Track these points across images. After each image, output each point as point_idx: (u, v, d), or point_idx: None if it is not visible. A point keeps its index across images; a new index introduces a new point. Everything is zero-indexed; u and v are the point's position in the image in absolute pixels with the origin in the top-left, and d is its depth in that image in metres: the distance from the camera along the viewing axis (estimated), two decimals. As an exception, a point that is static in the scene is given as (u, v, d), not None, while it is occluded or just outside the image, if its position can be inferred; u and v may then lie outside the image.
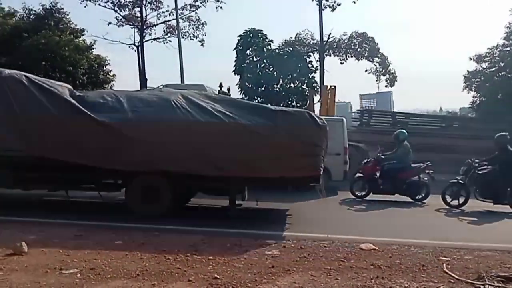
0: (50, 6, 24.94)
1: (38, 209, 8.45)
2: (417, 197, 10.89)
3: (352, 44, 27.19)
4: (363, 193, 11.08)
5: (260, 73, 22.21)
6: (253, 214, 8.62)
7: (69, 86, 8.94)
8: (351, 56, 27.55)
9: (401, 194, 10.89)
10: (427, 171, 11.06)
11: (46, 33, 22.84)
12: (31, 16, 25.20)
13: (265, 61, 22.60)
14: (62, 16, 25.34)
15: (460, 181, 10.22)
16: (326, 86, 17.80)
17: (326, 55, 26.42)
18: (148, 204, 8.00)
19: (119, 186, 8.57)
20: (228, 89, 15.90)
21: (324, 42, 25.45)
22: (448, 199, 10.08)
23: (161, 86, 12.81)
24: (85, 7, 27.46)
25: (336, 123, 11.45)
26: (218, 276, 4.79)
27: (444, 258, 5.68)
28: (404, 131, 11.79)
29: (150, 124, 7.79)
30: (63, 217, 7.53)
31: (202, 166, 7.73)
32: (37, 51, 22.17)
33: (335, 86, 17.90)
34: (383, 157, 11.46)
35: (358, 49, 27.18)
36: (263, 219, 8.43)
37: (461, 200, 10.06)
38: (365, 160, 11.59)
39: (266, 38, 23.09)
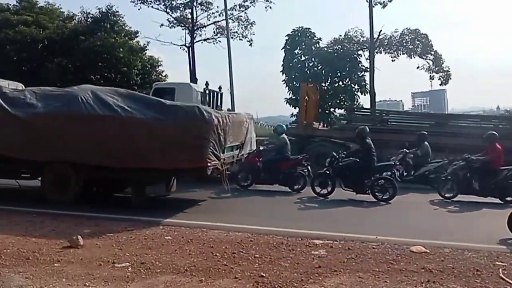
0: (106, 9, 26.02)
1: (92, 205, 8.80)
2: (295, 188, 11.19)
3: (403, 41, 26.39)
4: (248, 182, 11.47)
5: (308, 72, 22.04)
6: (298, 214, 8.56)
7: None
8: (403, 54, 26.76)
9: (280, 184, 11.22)
10: (304, 163, 11.39)
11: (102, 35, 23.85)
12: (89, 19, 26.39)
13: (313, 59, 22.41)
14: (117, 18, 26.37)
15: (327, 171, 10.58)
16: (306, 83, 17.59)
17: (377, 52, 25.83)
18: (59, 192, 8.65)
19: (35, 175, 9.25)
20: (220, 88, 16.32)
21: (375, 40, 24.89)
22: (318, 189, 10.42)
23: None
24: (139, 9, 28.43)
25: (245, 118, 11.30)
26: (264, 275, 4.80)
27: (500, 263, 5.39)
28: (281, 124, 12.74)
29: (56, 118, 8.39)
30: (115, 212, 7.83)
31: (103, 157, 8.27)
32: (94, 53, 23.21)
33: (314, 84, 17.92)
34: (261, 148, 12.03)
35: (410, 46, 26.34)
36: (309, 219, 8.34)
37: (329, 189, 10.42)
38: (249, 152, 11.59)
39: (315, 36, 22.89)
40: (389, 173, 10.19)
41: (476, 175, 10.21)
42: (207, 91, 15.16)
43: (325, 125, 18.60)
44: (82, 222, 7.16)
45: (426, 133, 12.35)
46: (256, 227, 6.97)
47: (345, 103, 22.27)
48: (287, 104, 22.49)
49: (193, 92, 14.87)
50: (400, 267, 5.18)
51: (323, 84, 22.29)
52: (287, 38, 22.68)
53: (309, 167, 11.39)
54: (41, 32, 24.43)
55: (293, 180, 11.27)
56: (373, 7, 24.42)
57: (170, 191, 9.37)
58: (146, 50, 26.99)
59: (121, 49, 23.96)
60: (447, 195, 10.37)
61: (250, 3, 28.12)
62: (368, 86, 22.79)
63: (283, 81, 22.61)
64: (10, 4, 26.67)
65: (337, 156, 10.66)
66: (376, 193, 9.93)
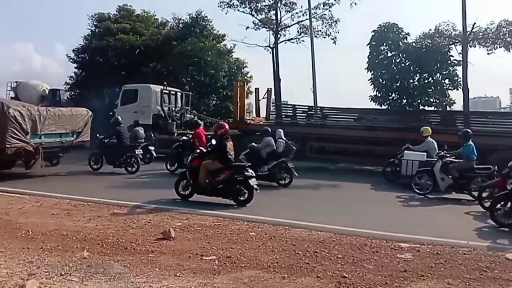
0: (195, 15, 27.23)
1: (181, 201, 9.33)
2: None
3: (500, 34, 24.28)
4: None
5: (395, 68, 21.21)
6: (381, 215, 8.32)
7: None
8: (500, 47, 24.63)
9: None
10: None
11: (192, 40, 25.03)
12: (180, 25, 27.81)
13: (400, 55, 21.50)
14: (206, 23, 27.49)
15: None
16: (238, 81, 18.25)
17: (470, 46, 24.07)
18: None
19: None
20: (186, 89, 19.41)
21: (468, 33, 23.22)
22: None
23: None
24: (226, 13, 29.29)
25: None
26: (347, 275, 4.79)
27: None
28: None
29: None
30: (203, 208, 8.24)
31: None
32: (185, 57, 24.45)
33: (244, 82, 18.64)
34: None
35: (508, 39, 24.16)
36: (393, 220, 8.01)
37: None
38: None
39: (402, 31, 21.94)
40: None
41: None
42: (167, 91, 18.21)
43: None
44: (174, 216, 7.64)
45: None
46: (338, 227, 6.93)
47: (435, 100, 21.10)
48: (372, 101, 21.85)
49: (152, 92, 18.47)
50: (494, 275, 4.86)
51: (411, 81, 21.33)
52: (373, 34, 22.01)
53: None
54: (138, 39, 26.23)
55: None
56: (467, -1, 22.81)
57: (30, 168, 12.40)
58: (233, 52, 27.84)
59: (209, 53, 24.97)
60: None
61: (335, 0, 27.75)
62: (460, 82, 21.35)
63: (369, 79, 22.03)
64: (111, 13, 28.91)
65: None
66: None
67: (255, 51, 56.02)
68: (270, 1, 28.25)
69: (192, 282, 4.54)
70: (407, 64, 21.33)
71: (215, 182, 8.92)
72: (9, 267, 4.80)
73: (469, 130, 10.89)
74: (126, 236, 6.27)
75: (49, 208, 8.14)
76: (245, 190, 9.00)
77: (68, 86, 27.45)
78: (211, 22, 27.84)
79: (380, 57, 21.54)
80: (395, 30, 21.73)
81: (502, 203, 7.59)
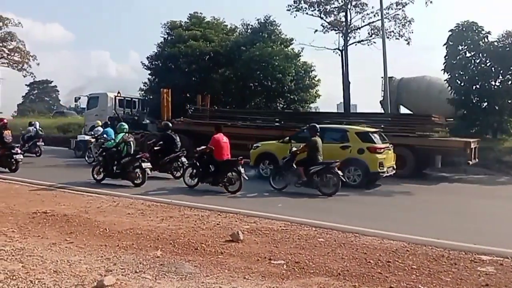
0: (264, 20, 27.49)
1: (250, 203, 9.40)
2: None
3: None
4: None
5: (474, 69, 19.98)
6: (457, 225, 7.83)
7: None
8: None
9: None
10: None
11: (260, 45, 25.27)
12: (248, 31, 28.21)
13: (480, 56, 20.22)
14: (274, 28, 27.67)
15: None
16: (163, 89, 21.00)
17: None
18: None
19: None
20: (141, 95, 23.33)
21: (558, 29, 21.33)
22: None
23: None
24: (294, 17, 29.34)
25: None
26: (422, 287, 4.53)
27: None
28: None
29: None
30: (272, 211, 8.23)
31: None
32: (253, 62, 24.74)
33: (169, 89, 20.99)
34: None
35: None
36: (473, 231, 7.50)
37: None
38: None
39: (482, 30, 20.63)
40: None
41: None
42: (121, 98, 21.93)
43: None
44: (242, 218, 7.71)
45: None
46: (412, 237, 6.59)
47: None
48: (449, 104, 20.70)
49: (108, 99, 21.96)
50: None
51: (492, 83, 19.96)
52: (450, 33, 20.89)
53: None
54: (207, 45, 26.97)
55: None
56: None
57: None
58: (300, 56, 27.72)
59: (276, 57, 25.06)
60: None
61: (409, 0, 26.80)
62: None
63: (445, 80, 20.93)
64: (182, 21, 29.98)
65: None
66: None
67: (323, 54, 55.59)
68: (339, 3, 27.88)
69: (260, 286, 4.53)
70: (487, 64, 19.97)
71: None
72: (88, 263, 5.07)
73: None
74: (196, 237, 6.41)
75: (124, 207, 8.55)
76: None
77: (142, 92, 28.82)
78: (279, 26, 28.00)
79: (458, 58, 20.35)
80: (474, 29, 20.44)
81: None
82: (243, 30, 28.99)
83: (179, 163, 13.15)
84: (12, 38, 44.53)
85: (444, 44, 20.81)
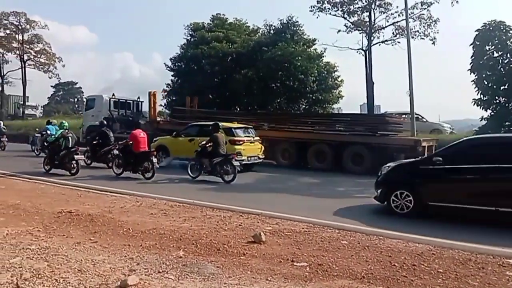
0: (287, 20, 27.41)
1: (272, 204, 9.35)
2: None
3: None
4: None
5: (502, 70, 19.45)
6: (485, 227, 7.59)
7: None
8: None
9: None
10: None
11: (282, 45, 25.18)
12: (271, 31, 28.17)
13: (508, 55, 19.67)
14: (297, 28, 27.57)
15: None
16: (150, 91, 22.29)
17: None
18: None
19: None
20: (138, 97, 24.12)
21: None
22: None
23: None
24: (317, 17, 29.20)
25: None
26: (449, 292, 4.42)
27: None
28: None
29: None
30: (292, 213, 8.16)
31: None
32: (275, 62, 24.68)
33: (155, 91, 22.71)
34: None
35: None
36: (500, 234, 7.27)
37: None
38: None
39: (510, 30, 20.10)
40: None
41: None
42: (115, 99, 23.29)
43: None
44: (264, 220, 7.66)
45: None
46: (438, 240, 6.43)
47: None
48: (476, 105, 20.19)
49: (103, 100, 23.37)
50: None
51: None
52: (476, 33, 20.41)
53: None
54: (230, 46, 27.07)
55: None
56: None
57: None
58: (323, 56, 27.54)
59: (299, 57, 24.92)
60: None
61: (434, -1, 26.34)
62: None
63: (472, 81, 20.45)
64: (205, 23, 30.17)
65: None
66: None
67: (346, 55, 55.17)
68: (363, 3, 27.62)
69: (283, 288, 4.48)
70: (516, 64, 19.45)
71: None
72: (112, 262, 5.11)
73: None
74: (218, 237, 6.40)
75: (147, 207, 8.62)
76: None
77: (165, 93, 29.12)
78: (301, 27, 27.89)
79: (485, 58, 19.85)
80: (502, 28, 19.92)
81: None
82: (266, 31, 28.99)
83: (112, 155, 14.98)
84: (38, 40, 45.74)
85: (471, 44, 20.35)
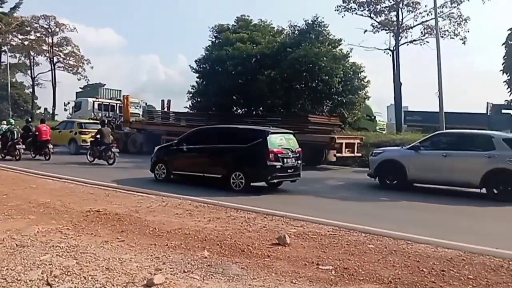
0: (312, 21, 27.16)
1: (296, 207, 9.30)
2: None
3: None
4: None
5: (535, 70, 18.95)
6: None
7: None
8: None
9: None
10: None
11: (306, 45, 24.97)
12: (295, 32, 28.00)
13: (543, 55, 19.14)
14: (322, 29, 27.25)
15: None
16: (124, 95, 26.38)
17: None
18: None
19: None
20: (120, 100, 28.57)
21: None
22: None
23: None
24: (342, 17, 28.95)
25: None
26: (480, 299, 4.29)
27: None
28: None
29: None
30: (318, 216, 8.11)
31: None
32: (299, 63, 24.47)
33: (128, 95, 26.71)
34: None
35: None
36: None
37: None
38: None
39: (545, 28, 19.53)
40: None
41: None
42: (100, 102, 28.42)
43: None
44: (289, 222, 7.63)
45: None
46: (468, 245, 6.27)
47: None
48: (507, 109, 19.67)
49: (88, 103, 28.15)
50: None
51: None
52: (509, 32, 19.87)
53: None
54: (254, 47, 27.06)
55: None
56: None
57: None
58: (349, 57, 27.14)
59: (324, 58, 24.61)
60: None
61: (464, -3, 25.71)
62: None
63: (504, 82, 19.94)
64: (230, 24, 30.29)
65: None
66: None
67: (373, 55, 54.62)
68: (390, 2, 27.25)
69: (308, 291, 4.44)
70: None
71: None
72: (139, 261, 5.18)
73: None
74: (243, 239, 6.40)
75: (173, 207, 8.70)
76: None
77: (190, 95, 29.34)
78: (327, 27, 27.57)
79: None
80: (535, 26, 19.37)
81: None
82: (290, 31, 28.81)
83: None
84: (67, 43, 46.82)
85: (503, 44, 19.84)
